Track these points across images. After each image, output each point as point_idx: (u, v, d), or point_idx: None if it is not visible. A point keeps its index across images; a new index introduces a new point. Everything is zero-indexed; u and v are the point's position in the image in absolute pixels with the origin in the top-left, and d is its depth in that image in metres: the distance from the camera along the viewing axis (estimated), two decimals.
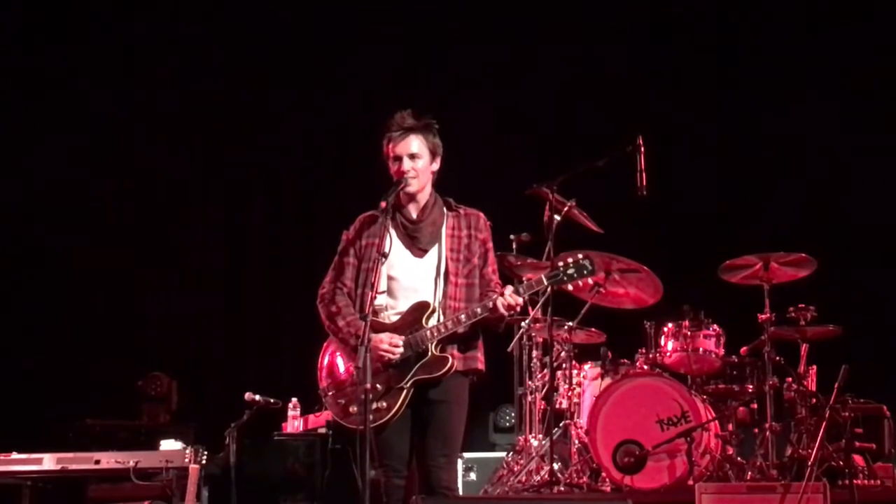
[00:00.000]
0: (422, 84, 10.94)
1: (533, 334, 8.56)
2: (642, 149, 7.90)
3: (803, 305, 8.07)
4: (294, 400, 9.04)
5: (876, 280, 9.75)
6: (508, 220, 8.58)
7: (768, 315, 7.95)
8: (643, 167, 7.90)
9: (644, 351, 8.35)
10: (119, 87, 10.95)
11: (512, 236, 8.61)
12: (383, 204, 5.66)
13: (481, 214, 5.92)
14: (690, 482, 7.39)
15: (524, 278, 5.91)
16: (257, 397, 7.55)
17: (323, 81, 11.09)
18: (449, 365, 5.69)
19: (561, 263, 5.83)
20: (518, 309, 5.72)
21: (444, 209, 5.87)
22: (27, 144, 10.79)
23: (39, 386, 10.26)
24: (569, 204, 8.08)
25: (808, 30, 10.43)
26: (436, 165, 5.85)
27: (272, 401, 7.70)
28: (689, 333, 8.15)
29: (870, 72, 10.17)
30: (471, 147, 10.26)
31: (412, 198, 5.82)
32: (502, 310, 5.64)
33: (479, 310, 5.68)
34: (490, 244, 5.90)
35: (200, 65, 11.02)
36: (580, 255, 5.82)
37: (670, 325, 8.27)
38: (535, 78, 10.76)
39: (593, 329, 8.57)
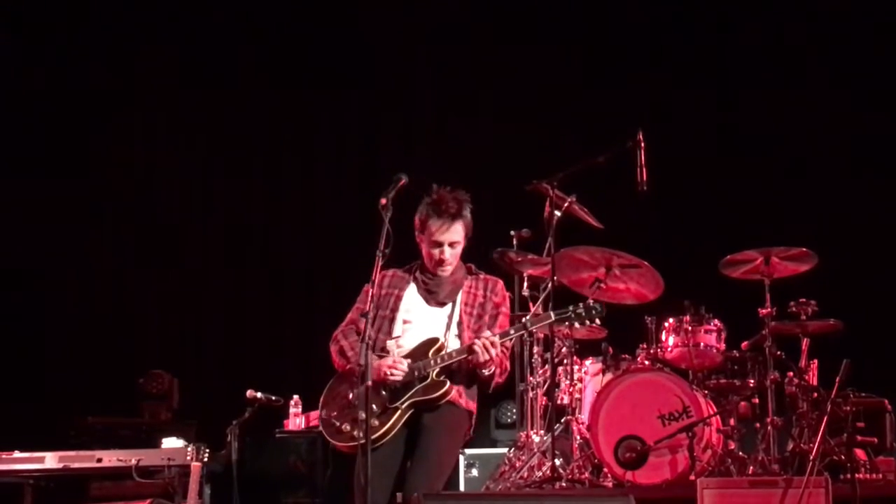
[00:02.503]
0: (421, 80, 10.95)
1: (534, 330, 8.55)
2: (642, 144, 7.90)
3: (804, 300, 8.06)
4: (296, 397, 9.06)
5: (877, 274, 9.75)
6: (509, 216, 8.60)
7: (769, 310, 7.94)
8: (643, 162, 7.90)
9: (645, 346, 8.34)
10: (120, 85, 10.97)
11: (512, 232, 8.61)
12: (383, 201, 5.69)
13: (500, 281, 6.13)
14: (692, 477, 7.39)
15: (527, 316, 6.02)
16: (259, 395, 7.55)
17: (323, 79, 11.09)
18: (446, 389, 5.81)
19: (572, 305, 5.99)
20: (494, 355, 5.77)
21: (465, 273, 6.06)
22: (26, 142, 10.81)
23: (41, 384, 10.26)
24: (569, 200, 8.08)
25: (810, 25, 10.42)
26: (465, 243, 6.02)
27: (274, 398, 7.69)
28: (689, 328, 8.15)
29: (866, 67, 10.17)
30: (471, 143, 10.29)
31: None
32: (479, 349, 5.72)
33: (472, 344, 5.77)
34: (503, 309, 6.06)
35: (199, 59, 11.04)
36: (591, 301, 6.01)
37: (671, 320, 8.26)
38: (535, 73, 10.76)
39: (594, 325, 8.56)
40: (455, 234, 5.92)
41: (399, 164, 6.01)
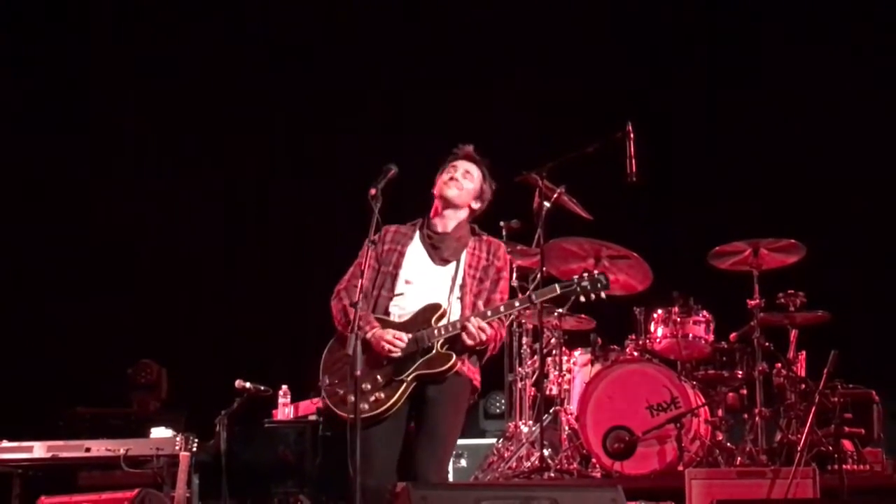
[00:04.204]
0: (411, 72, 10.94)
1: (523, 321, 8.57)
2: (632, 135, 7.90)
3: (792, 291, 8.09)
4: (284, 387, 9.05)
5: (865, 266, 9.77)
6: (498, 207, 8.55)
7: (757, 301, 7.96)
8: (633, 153, 7.90)
9: (634, 337, 8.36)
10: (121, 83, 10.98)
11: (502, 223, 8.61)
12: (373, 191, 5.65)
13: (502, 244, 6.06)
14: (680, 468, 7.41)
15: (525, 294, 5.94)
16: (247, 384, 7.55)
17: (313, 71, 11.09)
18: (452, 362, 5.69)
19: (577, 277, 5.87)
20: (485, 338, 5.69)
21: (469, 232, 5.99)
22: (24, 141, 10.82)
23: (30, 374, 10.24)
24: (558, 190, 8.09)
25: (799, 19, 10.42)
26: (476, 205, 6.01)
27: (262, 388, 7.69)
28: (678, 319, 8.16)
29: (858, 62, 10.20)
30: (460, 133, 10.26)
31: (447, 208, 5.94)
32: (474, 330, 5.64)
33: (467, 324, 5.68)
34: (505, 273, 5.97)
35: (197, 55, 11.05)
36: (596, 271, 5.87)
37: (660, 311, 8.28)
38: (526, 64, 10.77)
39: (583, 315, 8.57)
40: (471, 168, 5.97)
41: (388, 154, 5.99)
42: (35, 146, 10.80)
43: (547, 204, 7.96)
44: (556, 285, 5.87)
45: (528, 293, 5.92)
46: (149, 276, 10.96)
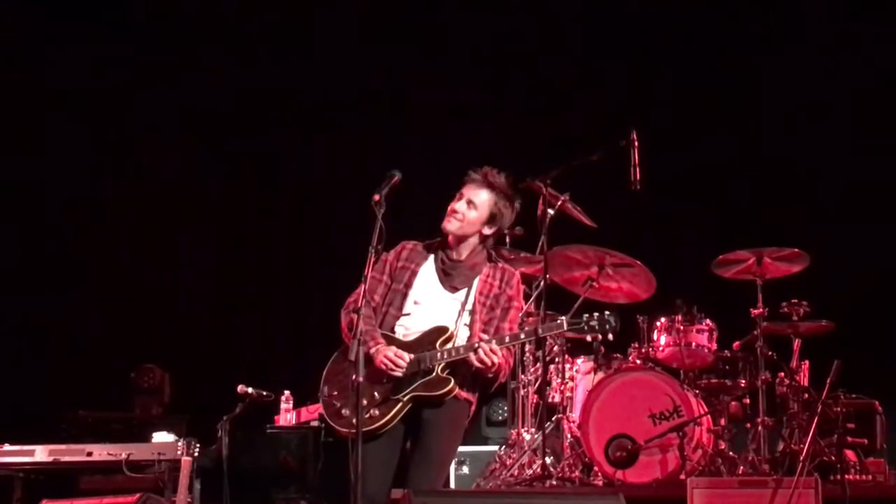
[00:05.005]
0: (414, 77, 10.94)
1: (526, 327, 8.54)
2: (636, 143, 7.90)
3: (796, 301, 8.08)
4: (286, 393, 9.05)
5: (869, 275, 9.76)
6: None
7: (761, 310, 7.95)
8: (637, 161, 7.90)
9: (637, 345, 8.35)
10: (120, 81, 10.98)
11: (506, 230, 8.59)
12: (376, 197, 5.62)
13: (516, 273, 5.96)
14: (682, 476, 7.39)
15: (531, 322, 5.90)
16: (250, 390, 7.54)
17: (316, 76, 11.10)
18: (449, 387, 5.65)
19: (586, 315, 5.79)
20: (495, 362, 5.63)
21: (485, 259, 5.92)
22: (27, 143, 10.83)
23: (32, 377, 10.25)
24: (562, 198, 8.08)
25: (804, 26, 10.42)
26: (488, 230, 5.88)
27: (265, 393, 7.69)
28: (681, 328, 8.15)
29: (863, 66, 10.19)
30: (465, 140, 10.29)
31: (459, 241, 5.87)
32: (484, 355, 5.58)
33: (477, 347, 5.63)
34: (516, 303, 5.89)
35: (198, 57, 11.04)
36: (607, 312, 5.79)
37: (663, 319, 8.27)
38: (530, 69, 10.76)
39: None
40: (477, 196, 5.80)
41: (392, 161, 5.99)
42: (38, 148, 10.82)
43: (551, 211, 7.95)
44: (564, 321, 5.83)
45: (534, 327, 5.92)
46: (152, 279, 10.96)
